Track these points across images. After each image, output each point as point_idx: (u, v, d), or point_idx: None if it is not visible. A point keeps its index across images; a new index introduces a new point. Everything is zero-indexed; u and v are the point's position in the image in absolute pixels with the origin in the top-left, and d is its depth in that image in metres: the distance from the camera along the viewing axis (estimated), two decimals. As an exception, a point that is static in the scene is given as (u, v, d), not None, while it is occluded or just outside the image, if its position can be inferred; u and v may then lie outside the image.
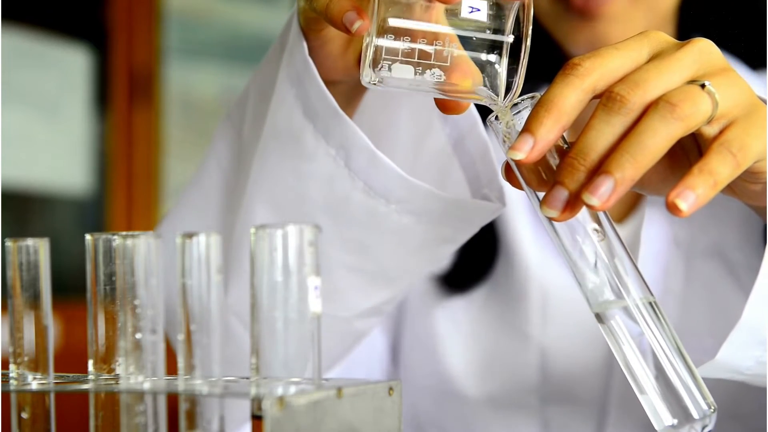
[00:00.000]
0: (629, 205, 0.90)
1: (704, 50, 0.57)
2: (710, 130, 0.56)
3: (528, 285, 0.89)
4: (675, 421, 0.56)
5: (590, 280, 0.57)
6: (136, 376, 0.54)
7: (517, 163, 0.56)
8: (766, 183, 0.59)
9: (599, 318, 0.58)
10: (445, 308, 0.91)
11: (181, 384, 0.51)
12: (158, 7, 2.54)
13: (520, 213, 0.90)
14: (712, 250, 0.81)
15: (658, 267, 0.81)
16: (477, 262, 0.91)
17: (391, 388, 0.53)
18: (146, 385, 0.53)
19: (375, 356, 0.94)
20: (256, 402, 0.46)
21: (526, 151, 0.55)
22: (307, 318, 0.51)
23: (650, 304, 0.57)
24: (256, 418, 0.46)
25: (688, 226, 0.74)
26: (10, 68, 2.23)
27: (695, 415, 0.56)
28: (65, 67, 2.36)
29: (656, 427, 0.57)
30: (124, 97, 2.46)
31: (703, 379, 0.57)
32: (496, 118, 0.58)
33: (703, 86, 0.55)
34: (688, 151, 0.60)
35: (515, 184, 0.59)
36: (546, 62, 0.84)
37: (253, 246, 0.51)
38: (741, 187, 0.60)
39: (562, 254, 0.58)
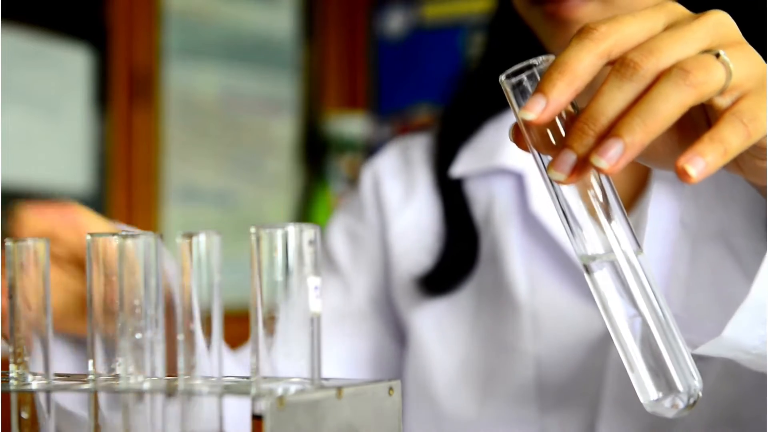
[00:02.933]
0: (637, 186, 0.90)
1: (720, 22, 0.57)
2: (722, 101, 0.56)
3: (518, 304, 0.91)
4: (660, 395, 0.56)
5: (580, 231, 0.57)
6: (136, 376, 0.54)
7: (527, 124, 0.56)
8: None
9: (587, 269, 0.58)
10: (437, 328, 0.93)
11: (181, 384, 0.51)
12: (158, 7, 2.54)
13: (511, 229, 0.92)
14: (717, 234, 0.81)
15: (664, 246, 0.81)
16: (457, 265, 0.93)
17: (391, 388, 0.53)
18: (146, 385, 0.53)
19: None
20: (256, 402, 0.46)
21: (538, 112, 0.54)
22: (307, 318, 0.51)
23: (638, 260, 0.57)
24: (256, 418, 0.46)
25: (695, 207, 0.74)
26: (10, 68, 2.23)
27: (680, 387, 0.56)
28: (65, 67, 2.36)
29: (642, 401, 0.57)
30: (124, 97, 2.45)
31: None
32: (507, 76, 0.58)
33: (717, 56, 0.55)
34: (698, 126, 0.60)
35: (522, 146, 0.58)
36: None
37: (253, 246, 0.51)
38: (749, 163, 0.60)
39: (556, 205, 0.58)
